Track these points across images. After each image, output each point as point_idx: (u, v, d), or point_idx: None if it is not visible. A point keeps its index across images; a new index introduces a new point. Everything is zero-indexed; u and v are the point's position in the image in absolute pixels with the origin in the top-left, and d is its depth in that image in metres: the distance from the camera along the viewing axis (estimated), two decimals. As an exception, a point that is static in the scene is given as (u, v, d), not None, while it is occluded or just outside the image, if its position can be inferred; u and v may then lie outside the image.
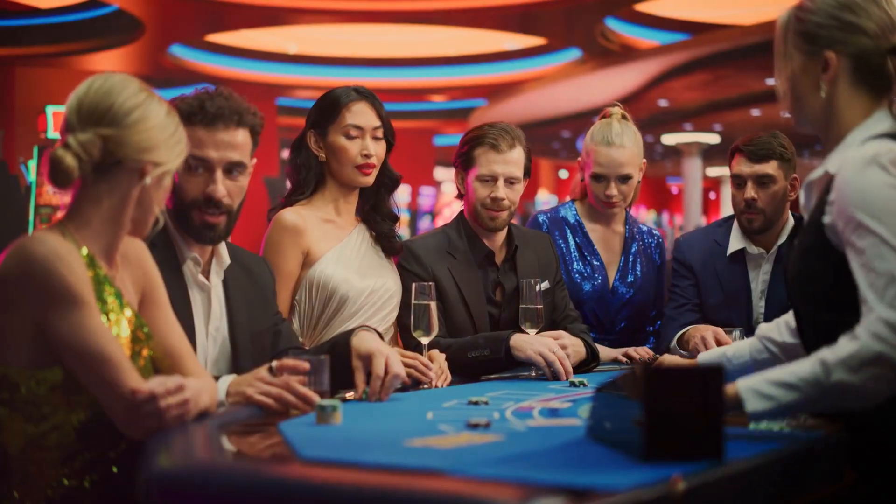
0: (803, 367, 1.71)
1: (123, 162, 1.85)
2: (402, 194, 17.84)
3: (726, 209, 25.80)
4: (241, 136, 2.34)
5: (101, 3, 12.16)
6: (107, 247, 1.91)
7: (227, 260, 2.43)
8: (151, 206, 1.91)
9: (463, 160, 3.03)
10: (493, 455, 1.58)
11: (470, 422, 1.87)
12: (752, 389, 1.71)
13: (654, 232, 3.55)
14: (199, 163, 2.30)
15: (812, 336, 1.88)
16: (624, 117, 3.30)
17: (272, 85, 16.11)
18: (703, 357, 2.46)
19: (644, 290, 3.39)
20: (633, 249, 3.41)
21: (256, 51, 15.12)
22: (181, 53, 14.65)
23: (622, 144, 3.23)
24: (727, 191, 26.34)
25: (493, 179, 2.96)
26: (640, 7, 12.43)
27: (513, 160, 2.97)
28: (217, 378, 2.11)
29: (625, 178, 3.25)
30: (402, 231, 16.20)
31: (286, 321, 2.62)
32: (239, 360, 2.40)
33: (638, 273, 3.39)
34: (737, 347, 2.33)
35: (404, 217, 17.86)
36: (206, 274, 2.41)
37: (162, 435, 1.71)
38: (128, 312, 1.91)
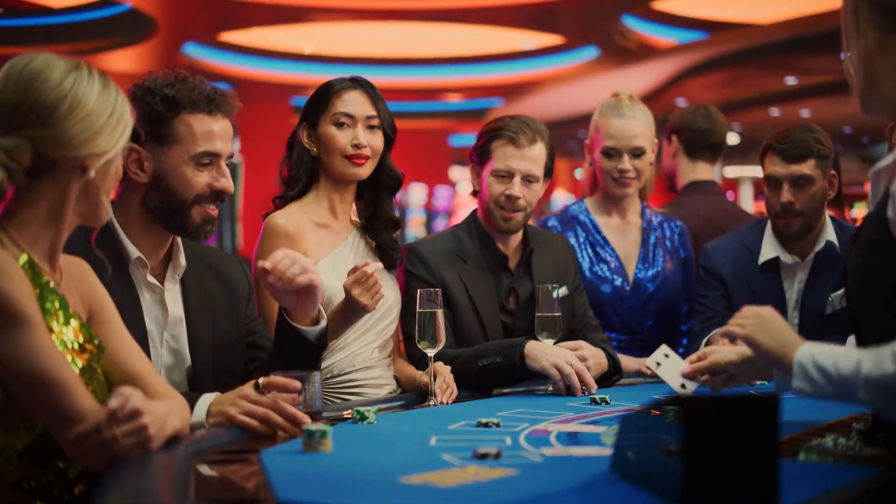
0: (847, 363, 1.62)
1: (60, 161, 1.65)
2: (417, 195, 17.74)
3: (745, 210, 25.47)
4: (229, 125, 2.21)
5: (114, 2, 12.04)
6: (49, 249, 1.71)
7: (183, 262, 2.23)
8: (100, 197, 1.72)
9: (479, 153, 2.81)
10: (503, 497, 1.35)
11: (478, 451, 1.64)
12: (802, 366, 1.64)
13: (676, 221, 3.32)
14: (210, 157, 2.14)
15: (872, 345, 1.66)
16: (633, 97, 3.16)
17: (287, 84, 15.97)
18: None
19: (670, 283, 3.18)
20: (651, 240, 3.20)
21: (271, 50, 14.98)
22: (195, 53, 14.53)
23: (634, 115, 3.09)
24: (745, 191, 26.03)
25: (508, 175, 2.74)
26: (657, 5, 12.23)
27: (532, 156, 2.74)
28: (187, 395, 1.88)
29: (638, 153, 3.09)
30: (418, 231, 16.06)
31: (266, 329, 2.38)
32: (198, 372, 2.20)
33: (660, 265, 3.17)
34: None
35: (420, 217, 17.68)
36: (162, 276, 2.20)
37: (123, 466, 1.49)
38: (74, 323, 1.69)
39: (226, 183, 2.16)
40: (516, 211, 2.75)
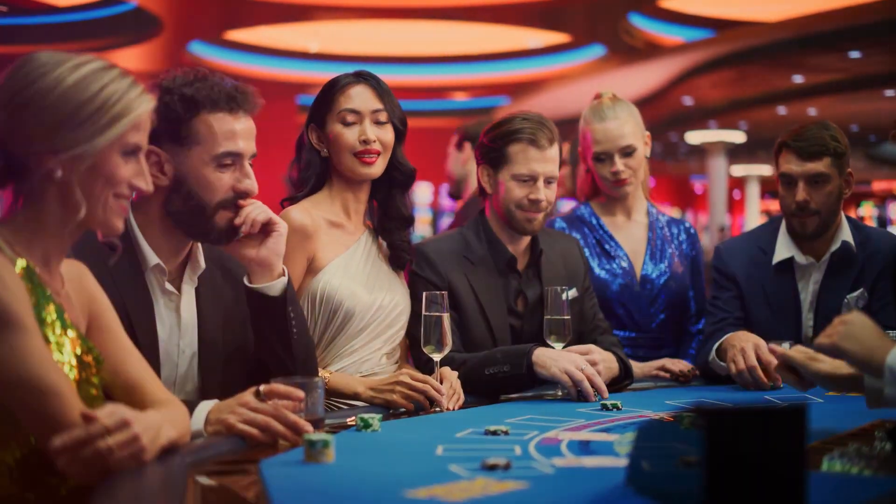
0: None
1: (26, 161, 1.57)
2: (423, 193, 17.70)
3: (751, 208, 25.39)
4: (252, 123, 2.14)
5: (120, 0, 12.02)
6: (43, 255, 1.64)
7: (202, 263, 2.15)
8: (75, 198, 1.60)
9: (493, 156, 2.72)
10: (513, 513, 1.29)
11: (486, 463, 1.58)
12: (894, 372, 1.55)
13: (683, 222, 3.28)
14: (232, 157, 2.06)
15: None
16: (615, 97, 3.11)
17: (293, 83, 15.94)
18: None
19: (678, 277, 3.13)
20: (658, 236, 3.15)
21: (277, 48, 14.97)
22: (201, 51, 14.51)
23: (616, 116, 3.05)
24: (752, 190, 25.97)
25: (532, 179, 2.67)
26: (664, 3, 12.19)
27: (552, 157, 2.69)
28: (187, 403, 1.82)
29: (628, 151, 3.04)
30: (424, 230, 16.01)
31: None
32: (205, 380, 2.13)
33: (668, 261, 3.13)
34: None
35: (426, 216, 17.64)
36: (179, 280, 2.13)
37: (116, 477, 1.43)
38: (71, 333, 1.63)
39: (249, 184, 2.08)
40: (539, 212, 2.69)
